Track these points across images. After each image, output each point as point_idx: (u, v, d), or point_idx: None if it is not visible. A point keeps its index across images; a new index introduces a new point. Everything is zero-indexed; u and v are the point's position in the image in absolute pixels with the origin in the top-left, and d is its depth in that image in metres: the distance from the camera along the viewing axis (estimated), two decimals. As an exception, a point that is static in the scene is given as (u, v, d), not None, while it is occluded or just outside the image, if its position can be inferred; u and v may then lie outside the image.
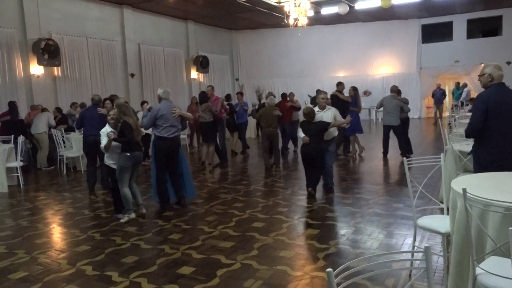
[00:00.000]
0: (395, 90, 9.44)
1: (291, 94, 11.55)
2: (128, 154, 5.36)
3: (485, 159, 3.71)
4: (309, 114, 6.27)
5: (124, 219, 5.40)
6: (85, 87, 12.25)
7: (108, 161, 5.60)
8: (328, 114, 6.39)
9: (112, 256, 4.25)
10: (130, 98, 13.14)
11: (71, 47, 11.92)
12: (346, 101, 9.27)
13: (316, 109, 6.51)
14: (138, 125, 5.64)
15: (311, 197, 6.25)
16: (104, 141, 5.43)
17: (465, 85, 16.93)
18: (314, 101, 11.67)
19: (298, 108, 10.58)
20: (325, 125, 6.20)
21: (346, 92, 9.76)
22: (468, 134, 3.94)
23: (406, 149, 9.16)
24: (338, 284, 1.49)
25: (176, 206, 6.04)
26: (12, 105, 9.40)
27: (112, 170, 5.57)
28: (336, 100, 9.00)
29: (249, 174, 8.53)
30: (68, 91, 11.78)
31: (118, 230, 5.11)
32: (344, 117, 7.04)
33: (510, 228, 1.72)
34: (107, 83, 13.03)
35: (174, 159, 6.08)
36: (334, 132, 6.52)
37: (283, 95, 11.53)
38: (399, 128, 9.10)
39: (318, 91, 7.19)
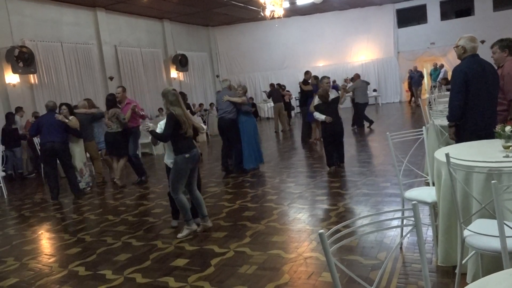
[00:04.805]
0: (359, 76, 12.60)
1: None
2: (187, 155, 4.39)
3: (466, 130, 3.77)
4: (325, 95, 7.05)
5: (184, 232, 4.50)
6: (63, 93, 12.06)
7: (167, 160, 4.70)
8: (332, 95, 7.41)
9: (104, 256, 4.21)
10: (111, 101, 12.96)
11: (46, 53, 11.71)
12: (309, 90, 9.98)
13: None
14: (189, 117, 4.53)
15: (335, 171, 6.90)
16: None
17: (442, 66, 17.23)
18: (270, 95, 13.54)
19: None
20: (337, 99, 7.23)
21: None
22: (452, 116, 3.77)
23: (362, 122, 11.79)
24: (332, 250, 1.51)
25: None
26: (7, 115, 9.65)
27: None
28: (301, 90, 10.30)
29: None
30: (47, 98, 11.47)
31: (109, 230, 5.06)
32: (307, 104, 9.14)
33: (493, 181, 1.77)
34: (85, 87, 12.85)
35: (227, 134, 7.67)
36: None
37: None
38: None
39: (323, 77, 7.89)
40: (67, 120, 7.01)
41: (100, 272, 3.80)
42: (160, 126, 4.57)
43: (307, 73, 10.53)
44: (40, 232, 5.42)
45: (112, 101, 7.47)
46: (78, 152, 7.43)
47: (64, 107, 7.28)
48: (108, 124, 7.41)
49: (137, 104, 7.90)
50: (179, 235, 4.49)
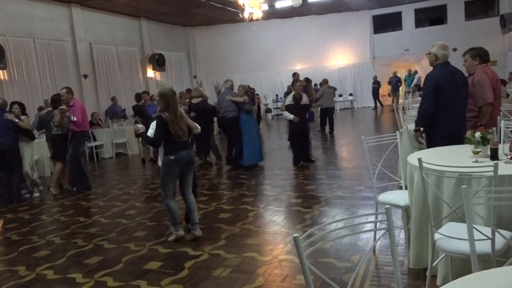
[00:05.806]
0: (327, 81, 12.59)
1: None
2: (172, 157, 4.14)
3: (437, 135, 3.86)
4: (301, 98, 7.34)
5: (172, 237, 4.36)
6: (35, 90, 11.69)
7: (160, 161, 4.43)
8: (304, 99, 7.50)
9: (75, 259, 4.10)
10: (85, 100, 12.67)
11: (17, 49, 11.31)
12: None
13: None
14: (182, 121, 4.24)
15: (304, 168, 7.39)
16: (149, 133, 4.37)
17: (416, 72, 17.68)
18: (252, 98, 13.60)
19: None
20: (308, 107, 7.63)
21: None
22: (420, 121, 3.86)
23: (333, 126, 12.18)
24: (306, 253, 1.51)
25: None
26: None
27: None
28: (290, 92, 10.05)
29: (212, 168, 8.47)
30: (17, 95, 11.16)
31: (80, 232, 4.93)
32: None
33: (463, 186, 1.81)
34: (58, 85, 12.44)
35: (230, 132, 8.07)
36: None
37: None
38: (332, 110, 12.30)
39: (297, 81, 8.02)
40: (16, 120, 6.63)
41: (69, 275, 3.69)
42: (152, 127, 4.24)
43: (294, 74, 10.51)
44: (6, 234, 5.23)
45: (57, 101, 6.92)
46: (28, 155, 7.12)
47: (16, 106, 6.94)
48: (51, 125, 6.98)
49: (78, 108, 6.97)
50: (169, 239, 4.34)
